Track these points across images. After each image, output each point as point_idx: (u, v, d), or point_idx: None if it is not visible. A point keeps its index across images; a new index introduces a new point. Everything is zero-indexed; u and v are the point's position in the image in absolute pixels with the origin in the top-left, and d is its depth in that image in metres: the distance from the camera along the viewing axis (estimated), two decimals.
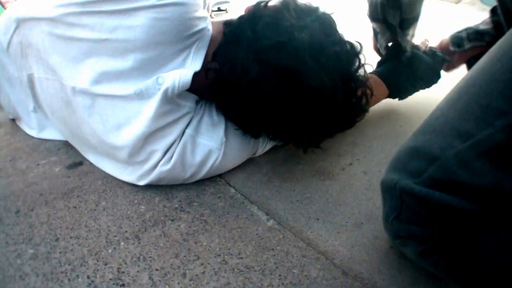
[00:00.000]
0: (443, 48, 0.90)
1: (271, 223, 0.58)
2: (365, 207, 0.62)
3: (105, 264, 0.51)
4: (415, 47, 0.87)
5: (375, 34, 0.90)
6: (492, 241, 0.39)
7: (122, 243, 0.54)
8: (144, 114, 0.58)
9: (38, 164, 0.74)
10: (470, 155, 0.38)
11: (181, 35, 0.58)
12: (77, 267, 0.51)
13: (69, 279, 0.50)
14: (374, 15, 0.83)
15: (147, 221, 0.58)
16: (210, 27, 0.62)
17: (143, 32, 0.56)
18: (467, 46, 0.83)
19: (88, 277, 0.50)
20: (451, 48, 0.87)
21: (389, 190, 0.47)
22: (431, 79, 0.86)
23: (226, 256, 0.52)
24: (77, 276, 0.50)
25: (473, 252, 0.40)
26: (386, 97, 0.88)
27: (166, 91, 0.56)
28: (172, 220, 0.58)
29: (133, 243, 0.54)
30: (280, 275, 0.50)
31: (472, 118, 0.39)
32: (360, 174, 0.70)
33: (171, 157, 0.61)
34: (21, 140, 0.81)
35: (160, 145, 0.60)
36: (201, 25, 0.59)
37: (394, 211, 0.47)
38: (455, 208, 0.39)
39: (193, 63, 0.59)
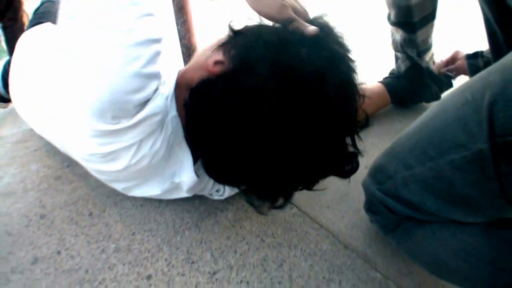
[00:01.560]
0: (458, 65, 1.06)
1: (294, 211, 0.81)
2: (363, 197, 0.81)
3: (177, 249, 0.75)
4: (429, 70, 1.04)
5: (396, 58, 1.08)
6: (424, 232, 0.61)
7: (186, 232, 0.78)
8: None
9: None
10: (409, 181, 0.58)
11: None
12: (155, 253, 0.74)
13: (151, 263, 0.72)
14: (396, 49, 1.02)
15: (202, 213, 0.81)
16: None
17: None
18: None
19: (165, 259, 0.73)
20: (469, 75, 1.02)
21: (365, 190, 0.71)
22: (430, 99, 1.06)
23: (263, 236, 0.76)
24: (157, 260, 0.73)
25: (410, 236, 0.63)
26: (387, 104, 1.08)
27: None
28: (221, 211, 0.81)
29: (195, 231, 0.77)
30: (301, 249, 0.74)
31: (414, 155, 0.58)
32: (362, 168, 0.89)
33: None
34: None
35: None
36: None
37: (367, 204, 0.71)
38: (399, 211, 0.62)
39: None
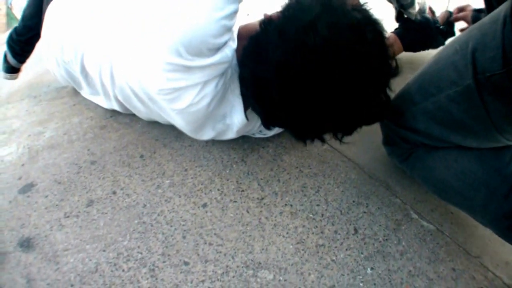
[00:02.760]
0: (464, 14, 1.19)
1: (325, 146, 0.95)
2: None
3: (227, 180, 0.89)
4: (434, 18, 1.18)
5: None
6: (433, 158, 0.76)
7: (234, 165, 0.91)
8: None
9: (138, 117, 1.02)
10: (417, 113, 0.73)
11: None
12: (208, 185, 0.88)
13: (205, 193, 0.86)
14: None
15: (246, 149, 0.94)
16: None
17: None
18: None
19: (218, 189, 0.87)
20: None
21: (382, 128, 0.86)
22: (435, 45, 1.21)
23: (301, 168, 0.90)
24: (210, 190, 0.87)
25: (422, 162, 0.79)
26: (401, 51, 1.21)
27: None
28: (263, 147, 0.94)
29: (242, 164, 0.91)
30: (334, 178, 0.89)
31: (419, 94, 0.73)
32: None
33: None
34: None
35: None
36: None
37: (384, 139, 0.86)
38: (412, 139, 0.77)
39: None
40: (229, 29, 0.67)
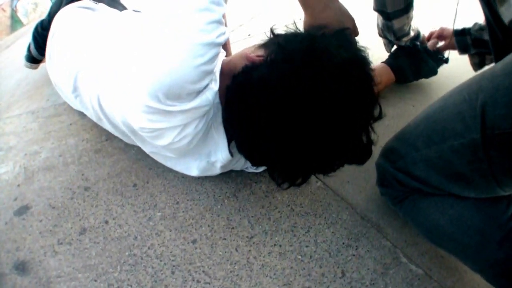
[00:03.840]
0: (447, 43, 1.19)
1: (319, 184, 0.96)
2: None
3: (218, 216, 0.91)
4: (424, 47, 1.18)
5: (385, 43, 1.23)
6: (428, 202, 0.76)
7: (225, 200, 0.93)
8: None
9: (134, 143, 1.04)
10: (417, 160, 0.73)
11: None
12: (199, 220, 0.90)
13: (195, 229, 0.88)
14: (379, 34, 1.19)
15: (238, 184, 0.95)
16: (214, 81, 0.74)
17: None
18: (473, 51, 1.08)
19: (208, 225, 0.89)
20: (458, 51, 1.13)
21: (377, 168, 0.85)
22: (428, 74, 1.21)
23: (293, 206, 0.92)
24: (201, 226, 0.89)
25: (416, 206, 0.79)
26: (393, 83, 1.20)
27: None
28: (256, 183, 0.96)
29: (233, 200, 0.93)
30: (325, 218, 0.90)
31: (421, 140, 0.73)
32: (379, 148, 0.98)
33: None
34: None
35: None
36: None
37: (379, 180, 0.86)
38: (409, 184, 0.77)
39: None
40: (209, 73, 0.68)
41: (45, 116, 1.22)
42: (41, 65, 1.44)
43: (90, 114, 0.98)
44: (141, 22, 0.86)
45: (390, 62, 1.19)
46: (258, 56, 0.69)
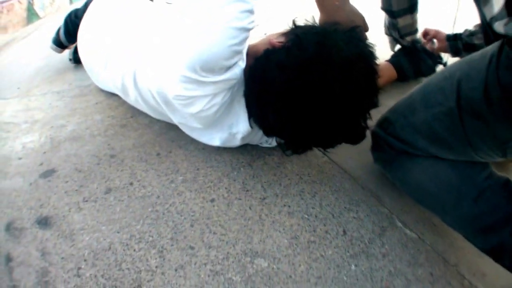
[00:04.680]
0: (440, 46, 1.34)
1: (325, 159, 1.09)
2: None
3: (234, 180, 1.03)
4: (423, 48, 1.34)
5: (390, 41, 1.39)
6: (412, 163, 0.89)
7: (241, 169, 1.06)
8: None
9: (159, 120, 1.19)
10: (405, 126, 0.87)
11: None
12: (217, 183, 1.02)
13: (213, 190, 1.00)
14: (385, 32, 1.35)
15: (253, 155, 1.09)
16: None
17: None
18: (464, 55, 1.24)
19: (225, 188, 1.01)
20: (450, 55, 1.30)
21: (372, 134, 0.98)
22: (427, 73, 1.37)
23: (301, 175, 1.04)
24: (218, 188, 1.01)
25: (403, 167, 0.92)
26: (395, 80, 1.37)
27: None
28: (269, 155, 1.09)
29: (248, 168, 1.06)
30: (330, 186, 1.02)
31: (409, 110, 0.88)
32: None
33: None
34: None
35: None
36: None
37: (373, 146, 0.99)
38: (397, 147, 0.90)
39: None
40: (239, 53, 0.83)
41: (70, 96, 1.34)
42: (64, 53, 1.52)
43: (118, 89, 1.11)
44: (180, 8, 1.02)
45: (393, 60, 1.36)
46: (279, 42, 0.84)
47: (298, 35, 0.82)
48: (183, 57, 0.81)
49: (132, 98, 1.08)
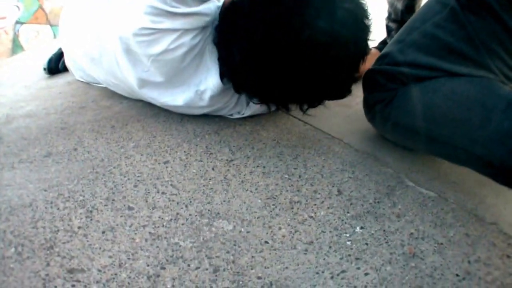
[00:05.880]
0: None
1: (307, 127, 0.91)
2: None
3: (196, 145, 0.83)
4: None
5: (389, 30, 1.28)
6: (418, 88, 0.71)
7: (206, 136, 0.86)
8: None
9: (121, 102, 1.04)
10: (403, 48, 0.74)
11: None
12: (175, 148, 0.82)
13: (169, 154, 0.80)
14: (395, 18, 1.23)
15: (222, 125, 0.90)
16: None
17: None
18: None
19: (184, 151, 0.81)
20: None
21: (364, 77, 0.82)
22: None
23: (279, 141, 0.85)
24: (176, 152, 0.81)
25: (406, 96, 0.73)
26: None
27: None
28: (240, 125, 0.90)
29: (214, 136, 0.86)
30: (315, 149, 0.82)
31: (404, 32, 0.76)
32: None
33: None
34: (98, 89, 1.13)
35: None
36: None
37: (366, 88, 0.82)
38: (396, 72, 0.74)
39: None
40: None
41: (37, 87, 1.24)
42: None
43: (96, 63, 1.00)
44: None
45: (380, 47, 1.26)
46: None
47: None
48: None
49: (97, 61, 0.97)
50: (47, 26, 2.00)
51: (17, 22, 1.82)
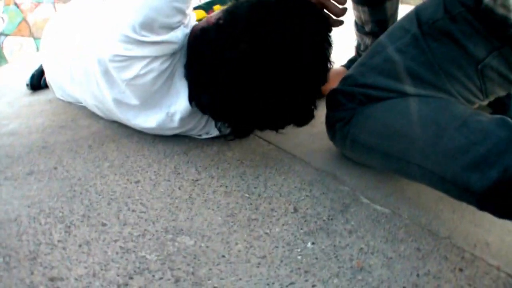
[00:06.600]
0: None
1: (271, 147, 0.99)
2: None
3: (165, 165, 0.90)
4: None
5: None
6: (374, 108, 0.78)
7: (175, 156, 0.93)
8: None
9: (98, 122, 1.11)
10: (364, 71, 0.81)
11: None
12: (146, 168, 0.89)
13: (140, 173, 0.87)
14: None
15: (191, 146, 0.97)
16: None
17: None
18: None
19: (154, 171, 0.88)
20: None
21: (327, 97, 0.88)
22: None
23: (243, 161, 0.92)
24: (146, 172, 0.87)
25: (364, 115, 0.80)
26: None
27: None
28: (207, 145, 0.97)
29: (183, 156, 0.93)
30: (276, 169, 0.89)
31: (367, 56, 0.83)
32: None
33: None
34: (77, 108, 1.20)
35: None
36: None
37: (328, 106, 0.88)
38: (355, 92, 0.81)
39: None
40: (181, 11, 0.81)
41: (20, 105, 1.30)
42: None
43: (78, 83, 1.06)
44: None
45: (348, 66, 1.33)
46: (216, 19, 0.84)
47: (228, 10, 0.83)
48: (124, 16, 0.81)
49: (76, 81, 1.04)
50: (31, 39, 2.08)
51: (1, 34, 1.88)
